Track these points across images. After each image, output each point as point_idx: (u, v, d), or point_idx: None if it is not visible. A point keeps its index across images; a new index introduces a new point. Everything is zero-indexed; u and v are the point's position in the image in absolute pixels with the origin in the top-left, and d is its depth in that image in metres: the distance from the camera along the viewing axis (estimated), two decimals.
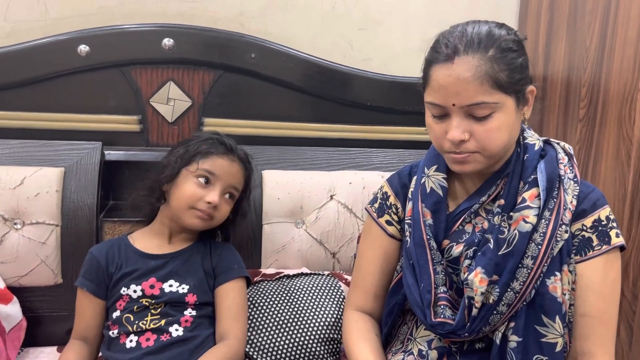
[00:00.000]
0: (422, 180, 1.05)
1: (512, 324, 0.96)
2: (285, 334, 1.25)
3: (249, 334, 1.25)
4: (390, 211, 1.12)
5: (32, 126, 1.51)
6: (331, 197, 1.49)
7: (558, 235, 0.95)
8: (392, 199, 1.12)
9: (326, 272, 1.42)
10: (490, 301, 0.95)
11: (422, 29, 1.73)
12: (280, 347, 1.24)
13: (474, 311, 0.95)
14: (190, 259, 1.23)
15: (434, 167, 1.05)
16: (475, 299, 0.95)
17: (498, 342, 0.96)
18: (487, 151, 0.94)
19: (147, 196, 1.25)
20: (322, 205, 1.48)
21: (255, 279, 1.37)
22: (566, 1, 1.52)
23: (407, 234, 1.05)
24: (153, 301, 1.16)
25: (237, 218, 1.31)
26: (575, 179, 1.00)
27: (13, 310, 1.32)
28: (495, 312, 0.95)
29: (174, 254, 1.23)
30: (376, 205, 1.14)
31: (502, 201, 0.99)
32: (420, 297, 1.01)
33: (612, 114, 1.35)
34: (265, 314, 1.28)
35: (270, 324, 1.26)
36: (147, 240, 1.24)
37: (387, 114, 1.67)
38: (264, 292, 1.33)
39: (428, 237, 1.02)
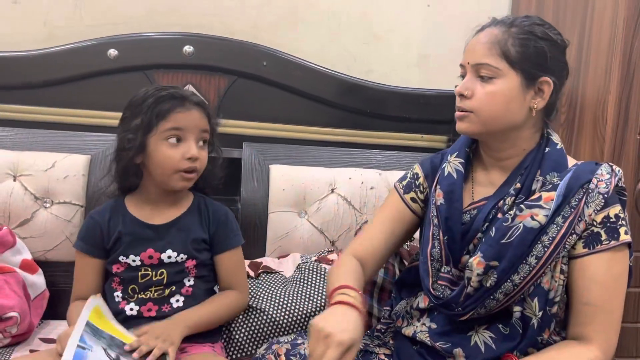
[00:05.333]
0: (443, 166, 1.15)
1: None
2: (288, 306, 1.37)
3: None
4: (417, 190, 1.20)
5: (63, 121, 1.67)
6: (332, 190, 1.62)
7: (567, 243, 1.00)
8: (421, 180, 1.20)
9: (313, 258, 1.52)
10: (488, 285, 1.02)
11: (420, 45, 1.90)
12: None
13: (470, 289, 1.03)
14: (185, 227, 1.25)
15: (455, 154, 1.15)
16: (472, 279, 1.03)
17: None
18: (480, 113, 1.04)
19: (126, 175, 1.25)
20: (324, 197, 1.61)
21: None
22: (549, 19, 1.67)
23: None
24: (154, 271, 1.22)
25: (214, 157, 1.31)
26: (606, 195, 1.01)
27: (38, 280, 1.44)
28: (491, 297, 1.02)
29: (170, 224, 1.25)
30: (404, 182, 1.22)
31: (518, 185, 1.06)
32: (425, 266, 1.13)
33: (588, 117, 1.48)
34: (267, 290, 1.41)
35: (273, 299, 1.38)
36: (141, 208, 1.26)
37: (386, 121, 1.82)
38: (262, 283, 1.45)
39: (433, 214, 1.12)
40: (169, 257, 1.23)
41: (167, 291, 1.23)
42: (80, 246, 1.26)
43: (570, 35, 1.56)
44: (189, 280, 1.25)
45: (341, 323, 0.93)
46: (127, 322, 1.21)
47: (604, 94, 1.42)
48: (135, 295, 1.23)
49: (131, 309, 1.22)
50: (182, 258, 1.24)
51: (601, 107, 1.43)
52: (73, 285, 1.28)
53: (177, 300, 1.23)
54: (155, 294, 1.23)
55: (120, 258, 1.23)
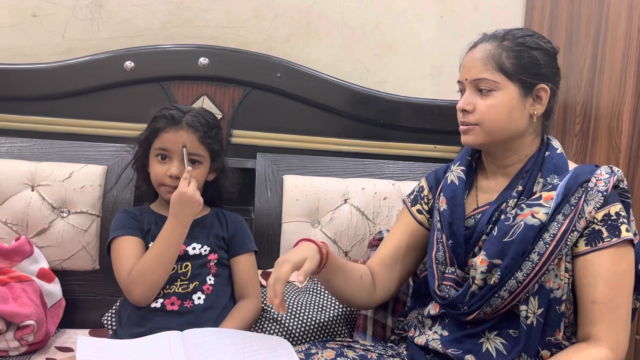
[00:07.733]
0: (447, 175, 1.20)
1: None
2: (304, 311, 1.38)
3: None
4: (422, 201, 1.27)
5: (80, 132, 1.69)
6: (345, 200, 1.62)
7: (569, 240, 1.02)
8: (425, 192, 1.27)
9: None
10: (492, 282, 1.05)
11: (432, 56, 1.91)
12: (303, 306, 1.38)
13: (474, 287, 1.06)
14: (207, 226, 1.35)
15: (458, 163, 1.21)
16: (476, 277, 1.06)
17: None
18: (485, 125, 1.08)
19: (143, 182, 1.39)
20: (337, 208, 1.61)
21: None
22: (562, 29, 1.68)
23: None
24: (178, 264, 1.27)
25: (220, 176, 1.38)
26: (605, 193, 1.03)
27: (55, 288, 1.46)
28: (496, 295, 1.05)
29: (192, 222, 1.29)
30: (412, 196, 1.30)
31: (520, 187, 1.10)
32: (432, 269, 1.17)
33: (602, 127, 1.48)
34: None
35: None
36: (165, 210, 1.33)
37: (400, 132, 1.83)
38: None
39: (437, 219, 1.17)
40: (194, 248, 1.30)
41: (191, 286, 1.28)
42: (120, 232, 1.28)
43: (585, 46, 1.56)
44: (210, 279, 1.30)
45: (293, 250, 1.06)
46: (150, 316, 1.25)
47: (619, 105, 1.41)
48: (161, 291, 1.26)
49: (155, 302, 1.26)
50: (205, 250, 1.31)
51: (616, 118, 1.42)
52: (120, 266, 1.25)
53: (199, 298, 1.28)
54: (180, 288, 1.27)
55: (150, 245, 1.28)
